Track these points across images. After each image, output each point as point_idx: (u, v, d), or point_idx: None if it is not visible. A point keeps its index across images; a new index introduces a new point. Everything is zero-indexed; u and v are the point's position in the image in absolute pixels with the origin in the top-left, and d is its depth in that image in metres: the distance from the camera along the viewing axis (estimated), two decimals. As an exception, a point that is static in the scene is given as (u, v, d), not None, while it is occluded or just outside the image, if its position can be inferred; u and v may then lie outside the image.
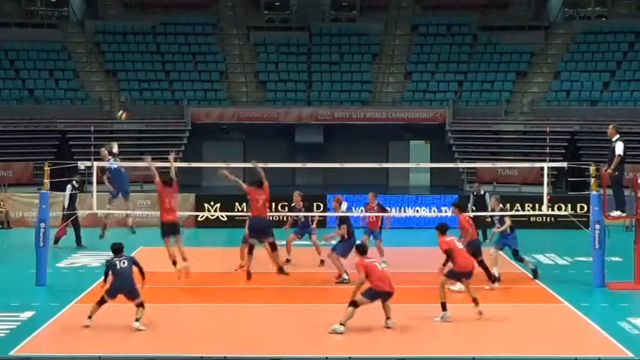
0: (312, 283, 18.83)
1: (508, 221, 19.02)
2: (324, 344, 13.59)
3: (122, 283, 14.47)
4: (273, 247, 18.35)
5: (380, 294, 14.53)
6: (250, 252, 18.24)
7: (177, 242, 17.87)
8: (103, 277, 14.80)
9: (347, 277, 18.47)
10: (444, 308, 15.04)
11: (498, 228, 19.21)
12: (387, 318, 14.63)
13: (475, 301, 15.37)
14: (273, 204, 27.87)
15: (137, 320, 14.28)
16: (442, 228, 15.87)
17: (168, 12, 44.00)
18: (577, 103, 39.10)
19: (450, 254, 15.38)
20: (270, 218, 20.57)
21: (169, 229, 17.83)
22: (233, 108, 39.32)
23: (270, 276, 19.52)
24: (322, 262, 20.50)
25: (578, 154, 35.65)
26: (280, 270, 18.60)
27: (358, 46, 42.47)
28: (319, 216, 22.00)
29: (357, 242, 15.41)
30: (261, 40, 42.62)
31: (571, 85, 39.96)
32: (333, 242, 19.65)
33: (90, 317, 14.34)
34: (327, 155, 36.31)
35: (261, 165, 18.90)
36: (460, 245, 15.85)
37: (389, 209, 22.33)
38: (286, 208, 26.56)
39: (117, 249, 14.90)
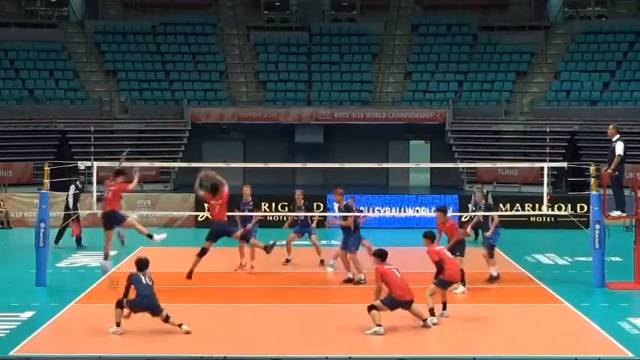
0: (312, 283, 18.82)
1: (496, 219, 18.92)
2: (324, 344, 13.58)
3: (146, 300, 14.05)
4: (244, 237, 18.48)
5: (400, 303, 14.34)
6: (201, 256, 18.18)
7: (132, 225, 18.20)
8: (124, 293, 14.21)
9: (363, 278, 18.27)
10: (432, 313, 14.89)
11: (488, 230, 19.03)
12: (424, 320, 14.47)
13: (435, 310, 15.09)
14: (273, 204, 27.97)
15: (180, 325, 14.07)
16: (432, 236, 15.81)
17: (168, 12, 44.02)
18: (577, 103, 39.11)
19: (441, 265, 15.30)
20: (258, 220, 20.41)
21: (104, 220, 18.09)
22: (233, 108, 39.34)
23: (270, 276, 19.57)
24: (322, 262, 20.47)
25: (578, 154, 35.67)
26: (266, 248, 19.07)
27: (358, 46, 42.48)
28: (319, 216, 21.90)
29: (380, 248, 15.01)
30: (261, 40, 42.64)
31: (571, 85, 39.97)
32: (334, 242, 19.60)
33: (118, 325, 13.98)
34: (327, 155, 36.34)
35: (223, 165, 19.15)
36: (449, 254, 15.80)
37: (363, 209, 22.34)
38: (286, 208, 26.57)
39: (144, 264, 14.40)
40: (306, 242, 21.09)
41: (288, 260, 20.81)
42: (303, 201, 20.81)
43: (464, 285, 17.24)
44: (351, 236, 18.70)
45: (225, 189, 18.71)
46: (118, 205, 18.27)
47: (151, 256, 19.33)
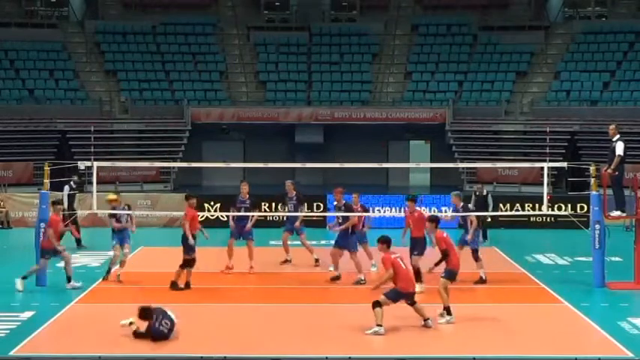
0: (312, 283, 18.79)
1: (474, 223, 18.80)
2: (324, 344, 13.58)
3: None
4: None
5: (403, 295, 14.32)
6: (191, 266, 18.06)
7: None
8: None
9: (363, 278, 18.31)
10: (449, 312, 14.92)
11: (468, 231, 18.89)
12: (426, 319, 14.43)
13: (432, 310, 15.08)
14: (273, 204, 27.93)
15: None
16: (437, 220, 15.72)
17: (168, 12, 44.04)
18: (577, 103, 39.12)
19: (447, 253, 15.21)
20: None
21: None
22: (233, 108, 39.35)
23: (270, 276, 19.57)
24: (317, 260, 20.44)
25: (578, 154, 35.67)
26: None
27: (358, 46, 42.49)
28: (316, 215, 21.65)
29: (385, 235, 14.87)
30: (261, 40, 42.65)
31: (571, 85, 39.97)
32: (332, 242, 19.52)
33: (131, 323, 13.90)
34: (327, 155, 36.35)
35: None
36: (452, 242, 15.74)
37: (369, 209, 22.22)
38: (286, 208, 26.52)
39: (149, 313, 13.87)
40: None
41: (287, 260, 20.74)
42: (294, 191, 20.69)
43: (421, 282, 17.02)
44: (351, 236, 18.69)
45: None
46: (45, 241, 18.02)
47: (151, 257, 19.44)
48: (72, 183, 24.03)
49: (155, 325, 13.71)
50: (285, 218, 21.05)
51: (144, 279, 18.83)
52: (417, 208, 18.20)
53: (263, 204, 26.45)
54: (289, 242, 21.00)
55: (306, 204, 21.62)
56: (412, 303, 14.49)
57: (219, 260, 19.75)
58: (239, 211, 19.78)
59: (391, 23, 43.54)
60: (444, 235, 15.40)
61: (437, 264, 15.51)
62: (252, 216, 19.91)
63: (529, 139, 38.83)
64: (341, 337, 14.00)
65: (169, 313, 13.85)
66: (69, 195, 23.82)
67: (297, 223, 20.53)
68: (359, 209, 19.74)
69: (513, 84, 40.72)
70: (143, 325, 13.81)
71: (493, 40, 42.33)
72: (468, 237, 18.72)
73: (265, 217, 24.36)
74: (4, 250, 24.65)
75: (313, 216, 25.11)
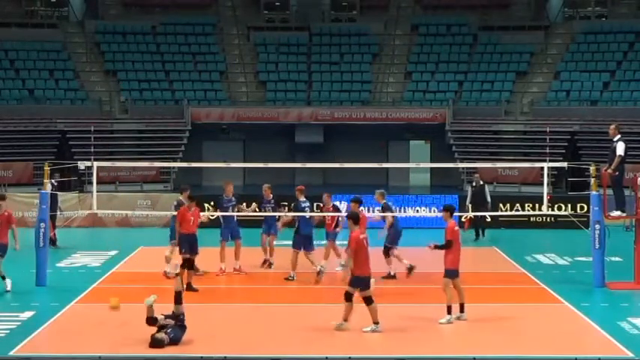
0: (312, 283, 18.78)
1: (389, 220, 19.03)
2: (324, 344, 13.58)
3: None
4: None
5: (359, 279, 14.15)
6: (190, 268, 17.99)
7: None
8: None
9: (292, 276, 18.75)
10: (449, 312, 14.91)
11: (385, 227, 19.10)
12: (375, 322, 14.22)
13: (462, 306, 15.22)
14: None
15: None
16: (452, 210, 15.57)
17: (168, 12, 44.04)
18: (577, 103, 39.12)
19: (450, 245, 15.06)
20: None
21: None
22: (233, 108, 39.34)
23: (270, 276, 19.56)
24: (265, 262, 20.40)
25: (578, 154, 35.67)
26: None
27: (358, 46, 42.49)
28: (286, 216, 21.53)
29: (352, 211, 14.75)
30: (261, 40, 42.65)
31: (571, 85, 39.96)
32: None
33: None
34: (327, 155, 36.34)
35: None
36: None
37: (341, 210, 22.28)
38: (286, 208, 26.47)
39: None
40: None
41: (267, 262, 20.48)
42: (271, 195, 20.61)
43: None
44: (300, 235, 18.86)
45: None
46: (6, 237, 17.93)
47: (151, 257, 19.45)
48: (53, 181, 23.67)
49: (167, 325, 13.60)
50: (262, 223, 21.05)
51: (144, 279, 18.83)
52: (361, 209, 18.12)
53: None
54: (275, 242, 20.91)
55: (286, 207, 21.62)
56: (369, 302, 14.24)
57: (218, 260, 19.73)
58: (227, 211, 19.72)
59: (391, 23, 43.53)
60: (456, 228, 15.28)
61: (437, 247, 15.38)
62: (239, 214, 19.86)
63: (529, 139, 38.82)
64: (341, 337, 14.00)
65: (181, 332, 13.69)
66: (51, 194, 23.31)
67: (280, 226, 20.45)
68: (330, 209, 19.68)
69: (513, 84, 40.72)
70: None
71: (493, 40, 42.33)
72: (380, 234, 18.89)
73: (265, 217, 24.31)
74: (3, 250, 24.58)
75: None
